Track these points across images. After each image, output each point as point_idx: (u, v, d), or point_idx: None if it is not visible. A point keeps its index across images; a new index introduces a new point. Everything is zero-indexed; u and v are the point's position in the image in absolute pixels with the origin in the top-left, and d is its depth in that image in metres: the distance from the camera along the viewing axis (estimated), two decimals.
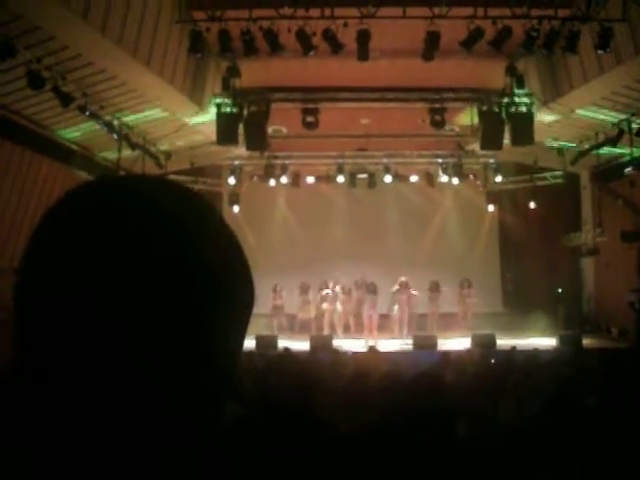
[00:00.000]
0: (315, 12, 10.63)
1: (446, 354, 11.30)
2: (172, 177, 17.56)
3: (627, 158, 14.64)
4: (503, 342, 14.35)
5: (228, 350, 0.73)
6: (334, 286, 17.31)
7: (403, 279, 16.81)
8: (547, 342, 15.23)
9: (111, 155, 14.58)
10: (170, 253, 0.68)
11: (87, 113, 11.77)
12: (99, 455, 0.63)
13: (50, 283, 0.65)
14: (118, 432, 0.64)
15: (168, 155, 16.72)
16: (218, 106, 13.53)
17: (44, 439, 0.63)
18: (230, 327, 0.73)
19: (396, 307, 17.01)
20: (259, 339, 14.68)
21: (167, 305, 0.66)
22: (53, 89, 10.59)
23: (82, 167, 14.43)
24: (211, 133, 14.13)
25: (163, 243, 0.68)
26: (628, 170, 14.55)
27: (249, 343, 14.93)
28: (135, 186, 0.74)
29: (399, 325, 17.00)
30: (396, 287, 16.75)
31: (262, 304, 17.86)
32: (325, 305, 17.18)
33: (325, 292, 17.16)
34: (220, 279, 0.71)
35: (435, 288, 17.41)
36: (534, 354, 11.64)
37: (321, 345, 13.76)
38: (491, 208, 19.63)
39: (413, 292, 16.81)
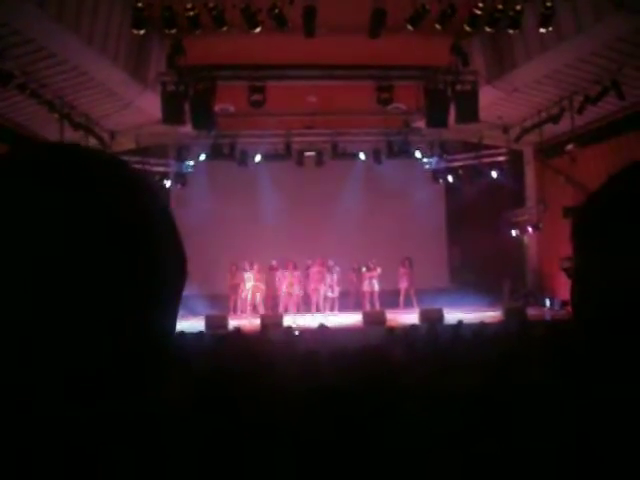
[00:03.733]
0: None
1: (394, 329, 11.48)
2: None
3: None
4: (450, 316, 14.63)
5: (161, 326, 0.72)
6: (292, 269, 17.38)
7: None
8: (493, 315, 15.59)
9: (53, 136, 14.21)
10: (101, 226, 0.66)
11: (27, 92, 11.43)
12: (37, 445, 0.63)
13: None
14: (54, 418, 0.64)
15: (112, 135, 16.41)
16: (163, 84, 13.30)
17: None
18: (163, 302, 0.72)
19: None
20: (209, 319, 14.64)
21: (96, 281, 0.65)
22: None
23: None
24: (156, 112, 13.89)
25: (92, 215, 0.65)
26: (569, 147, 14.90)
27: (198, 323, 14.89)
28: (62, 156, 0.70)
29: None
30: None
31: (218, 284, 17.85)
32: (284, 288, 17.27)
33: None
34: (148, 248, 0.70)
35: (372, 268, 17.71)
36: (480, 328, 11.90)
37: (272, 324, 13.80)
38: (437, 185, 19.88)
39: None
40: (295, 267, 17.44)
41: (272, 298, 17.63)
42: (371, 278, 17.68)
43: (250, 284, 17.46)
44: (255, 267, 17.56)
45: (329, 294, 17.39)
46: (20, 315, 0.62)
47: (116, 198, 0.68)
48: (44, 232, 0.63)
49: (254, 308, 17.30)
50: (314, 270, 17.46)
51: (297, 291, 17.40)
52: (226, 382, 4.13)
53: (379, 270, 17.64)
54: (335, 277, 17.54)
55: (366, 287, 17.72)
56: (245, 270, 17.58)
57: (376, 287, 17.65)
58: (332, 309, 17.36)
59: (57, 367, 0.63)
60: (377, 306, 17.34)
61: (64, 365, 0.64)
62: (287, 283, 17.25)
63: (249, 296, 17.48)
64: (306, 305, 17.53)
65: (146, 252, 0.69)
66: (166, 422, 0.80)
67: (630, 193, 0.79)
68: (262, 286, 17.62)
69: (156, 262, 0.70)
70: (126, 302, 0.67)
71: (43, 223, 0.63)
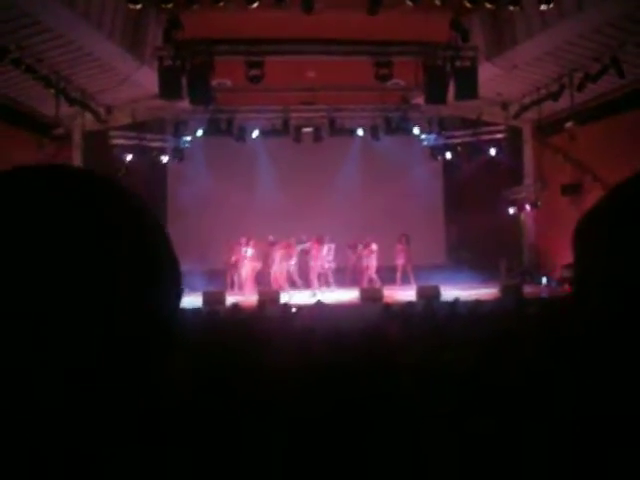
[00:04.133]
0: None
1: (391, 306, 11.52)
2: (114, 132, 17.20)
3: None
4: (447, 293, 14.67)
5: (162, 311, 0.77)
6: (287, 247, 17.30)
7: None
8: (490, 292, 15.64)
9: (49, 111, 14.12)
10: (101, 231, 0.72)
11: (22, 67, 11.33)
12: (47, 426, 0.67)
13: None
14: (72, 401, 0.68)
15: (109, 109, 16.31)
16: (160, 59, 13.17)
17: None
18: (162, 290, 0.77)
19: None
20: (206, 295, 14.66)
21: (97, 273, 0.70)
22: None
23: (21, 124, 14.03)
24: (153, 86, 13.78)
25: (93, 224, 0.72)
26: (568, 124, 14.84)
27: (196, 300, 14.94)
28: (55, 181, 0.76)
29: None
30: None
31: (215, 259, 17.85)
32: (276, 266, 17.22)
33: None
34: (143, 248, 0.76)
35: (367, 245, 17.74)
36: (476, 305, 11.94)
37: (269, 300, 13.83)
38: (435, 162, 19.83)
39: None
40: (289, 246, 17.35)
41: (269, 274, 17.55)
42: (368, 255, 17.68)
43: (246, 261, 17.45)
44: (251, 243, 17.51)
45: (321, 269, 17.40)
46: (25, 307, 0.66)
47: (113, 208, 0.76)
48: (51, 233, 0.69)
49: (250, 284, 17.28)
50: (311, 248, 17.44)
51: (283, 269, 17.32)
52: (223, 360, 4.15)
53: (374, 247, 17.61)
54: (329, 252, 17.51)
55: (364, 263, 17.74)
56: (241, 246, 17.54)
57: (373, 263, 17.67)
58: (327, 285, 17.36)
59: (62, 359, 0.67)
60: (375, 283, 17.38)
61: (69, 356, 0.68)
62: (277, 260, 17.17)
63: (244, 273, 17.47)
64: (304, 282, 17.49)
65: (141, 251, 0.75)
66: (167, 403, 0.86)
67: None
68: (258, 264, 17.57)
69: (151, 259, 0.76)
70: (125, 291, 0.72)
71: (52, 227, 0.70)
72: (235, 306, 12.08)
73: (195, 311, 11.48)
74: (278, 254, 17.27)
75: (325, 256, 17.38)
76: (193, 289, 16.55)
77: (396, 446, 3.16)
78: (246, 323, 9.39)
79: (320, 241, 17.40)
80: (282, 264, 17.15)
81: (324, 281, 17.45)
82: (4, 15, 10.19)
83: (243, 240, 17.52)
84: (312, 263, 17.35)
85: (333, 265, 17.58)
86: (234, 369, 3.86)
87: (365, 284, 17.29)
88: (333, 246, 17.57)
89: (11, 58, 11.00)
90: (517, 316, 9.23)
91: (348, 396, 3.54)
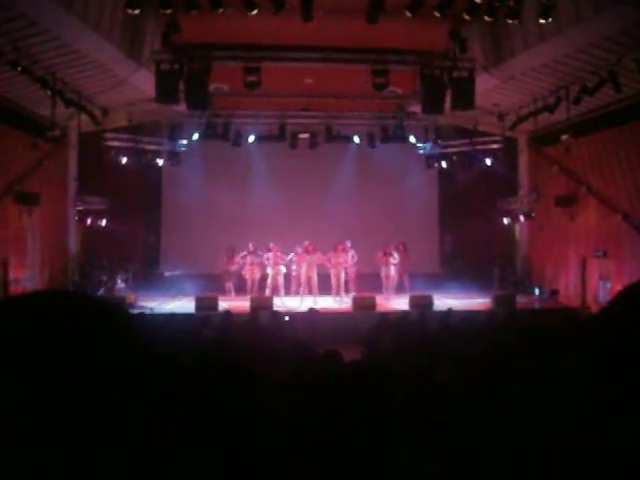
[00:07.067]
0: None
1: (385, 316, 11.53)
2: (110, 134, 17.15)
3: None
4: (440, 302, 14.72)
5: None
6: (312, 252, 16.93)
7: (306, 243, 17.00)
8: (482, 301, 15.70)
9: (45, 112, 14.08)
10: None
11: (19, 69, 11.28)
12: None
13: None
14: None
15: (105, 111, 16.28)
16: (157, 63, 13.13)
17: None
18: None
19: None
20: (199, 300, 14.60)
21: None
22: None
23: (16, 125, 13.99)
24: (150, 90, 13.74)
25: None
26: (564, 137, 14.86)
27: (189, 304, 14.92)
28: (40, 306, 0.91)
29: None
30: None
31: (208, 264, 17.75)
32: (269, 269, 17.03)
33: (267, 256, 17.00)
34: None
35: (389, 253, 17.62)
36: (469, 316, 11.96)
37: (261, 306, 13.81)
38: (431, 170, 19.83)
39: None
40: (314, 250, 16.92)
41: (263, 280, 17.32)
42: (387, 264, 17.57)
43: (270, 268, 17.04)
44: (272, 249, 17.03)
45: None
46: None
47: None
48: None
49: (275, 289, 16.84)
50: (338, 254, 17.19)
51: (284, 273, 17.13)
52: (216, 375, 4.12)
53: (396, 256, 17.49)
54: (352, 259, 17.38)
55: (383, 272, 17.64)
56: (262, 254, 17.19)
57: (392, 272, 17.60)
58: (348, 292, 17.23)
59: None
60: (392, 291, 17.41)
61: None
62: (307, 266, 16.81)
63: (269, 280, 17.00)
64: (297, 286, 17.34)
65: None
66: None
67: None
68: (282, 269, 17.22)
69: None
70: None
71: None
72: (227, 312, 12.07)
73: (186, 316, 11.47)
74: (301, 260, 17.00)
75: (349, 263, 17.23)
76: (186, 293, 16.54)
77: (386, 453, 3.17)
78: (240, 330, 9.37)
79: (345, 249, 17.18)
80: (312, 271, 16.86)
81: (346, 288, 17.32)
82: (1, 16, 10.13)
83: (270, 246, 17.12)
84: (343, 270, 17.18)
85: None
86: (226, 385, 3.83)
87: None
88: (353, 253, 17.32)
89: (7, 59, 10.94)
90: (509, 328, 9.24)
91: (340, 406, 3.53)
